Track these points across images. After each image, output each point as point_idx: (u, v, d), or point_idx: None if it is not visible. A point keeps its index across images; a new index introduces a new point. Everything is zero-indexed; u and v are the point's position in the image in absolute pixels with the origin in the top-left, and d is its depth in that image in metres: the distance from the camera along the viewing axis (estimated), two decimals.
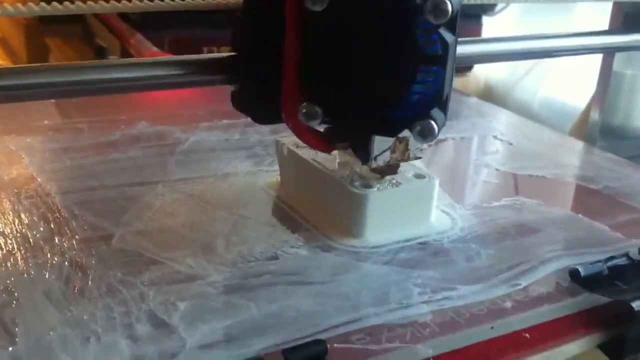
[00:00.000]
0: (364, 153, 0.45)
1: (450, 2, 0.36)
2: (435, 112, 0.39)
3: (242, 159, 0.58)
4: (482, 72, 1.51)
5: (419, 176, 0.49)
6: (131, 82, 0.41)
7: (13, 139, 0.59)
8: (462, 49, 0.50)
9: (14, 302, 0.38)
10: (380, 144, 0.44)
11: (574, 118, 1.05)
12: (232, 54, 0.43)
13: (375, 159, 0.45)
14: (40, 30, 1.51)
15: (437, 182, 0.49)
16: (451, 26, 0.38)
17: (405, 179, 0.48)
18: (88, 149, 0.58)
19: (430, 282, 0.42)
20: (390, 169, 0.47)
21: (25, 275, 0.40)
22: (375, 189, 0.47)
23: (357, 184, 0.47)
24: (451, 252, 0.46)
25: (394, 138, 0.44)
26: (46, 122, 0.63)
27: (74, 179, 0.53)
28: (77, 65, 0.41)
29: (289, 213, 0.50)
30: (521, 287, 0.43)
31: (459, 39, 0.49)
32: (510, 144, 0.67)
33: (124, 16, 1.14)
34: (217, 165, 0.57)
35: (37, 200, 0.49)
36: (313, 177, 0.50)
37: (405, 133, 0.43)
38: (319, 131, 0.43)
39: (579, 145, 0.70)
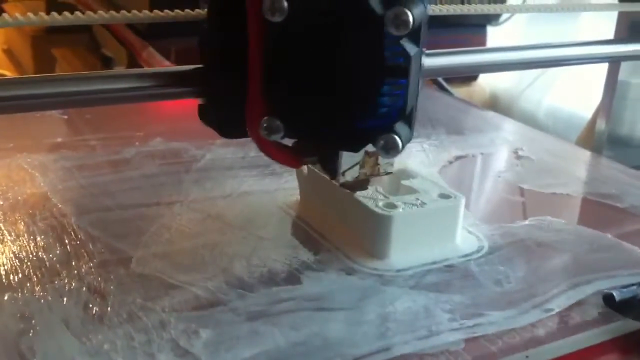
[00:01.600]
0: (331, 168, 0.43)
1: (412, 12, 0.35)
2: (399, 126, 0.37)
3: (260, 177, 0.57)
4: (487, 82, 1.49)
5: (444, 196, 0.47)
6: (96, 95, 0.40)
7: (25, 157, 0.58)
8: (468, 59, 0.49)
9: (32, 330, 0.37)
10: (349, 158, 0.43)
11: (580, 127, 1.04)
12: (199, 66, 0.42)
13: (343, 174, 0.43)
14: (47, 40, 1.50)
15: (463, 202, 0.47)
16: (414, 37, 0.37)
17: (430, 198, 0.47)
18: (102, 166, 0.57)
19: (460, 308, 0.41)
20: (360, 184, 0.45)
21: (43, 301, 0.39)
22: (400, 209, 0.45)
23: (381, 204, 0.46)
24: (479, 276, 0.44)
25: (363, 152, 0.43)
26: (59, 139, 0.62)
27: (89, 199, 0.51)
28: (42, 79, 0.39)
29: (309, 233, 0.49)
30: (554, 312, 0.41)
31: (466, 49, 0.48)
32: (530, 159, 0.66)
33: (130, 25, 1.12)
34: (234, 183, 0.56)
35: (52, 221, 0.48)
36: (334, 196, 0.48)
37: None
38: (286, 145, 0.42)
39: (601, 161, 0.69)
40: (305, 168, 0.51)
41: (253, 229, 0.49)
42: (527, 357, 0.38)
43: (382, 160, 0.44)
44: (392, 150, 0.37)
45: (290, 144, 0.42)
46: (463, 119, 0.78)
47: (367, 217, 0.46)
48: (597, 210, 0.57)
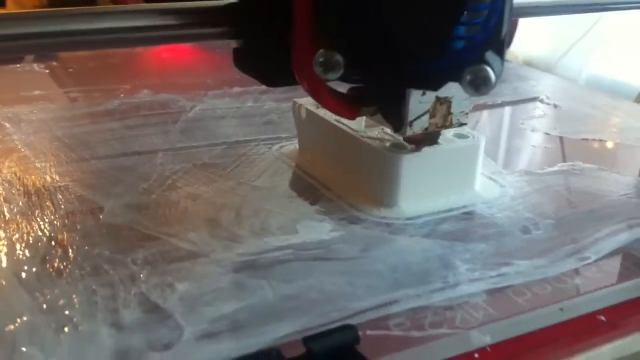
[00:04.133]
0: (396, 118, 0.37)
1: None
2: (491, 55, 0.31)
3: (256, 126, 0.51)
4: (520, 50, 1.41)
5: (461, 135, 0.41)
6: (112, 35, 0.32)
7: None
8: None
9: None
10: (417, 106, 0.37)
11: (628, 96, 0.97)
12: (234, 1, 0.34)
13: (410, 124, 0.37)
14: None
15: (482, 142, 0.41)
16: None
17: (445, 138, 0.41)
18: (81, 118, 0.52)
19: (481, 257, 0.35)
20: (429, 137, 0.39)
21: None
22: (410, 150, 0.39)
23: (388, 145, 0.40)
24: (503, 223, 0.39)
25: (434, 99, 0.37)
26: (37, 92, 0.57)
27: (63, 150, 0.46)
28: (45, 14, 0.32)
29: (309, 182, 0.43)
30: (590, 260, 0.35)
31: None
32: (558, 107, 0.59)
33: None
34: (226, 132, 0.50)
35: (17, 171, 0.42)
36: (336, 140, 0.43)
37: (448, 92, 0.35)
38: (341, 92, 0.36)
39: (632, 106, 0.62)
40: (303, 111, 0.45)
41: (245, 178, 0.43)
42: (561, 309, 0.32)
43: (455, 107, 0.38)
44: (483, 85, 0.30)
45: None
46: None
47: (373, 160, 0.40)
48: (631, 154, 0.51)
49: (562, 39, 1.36)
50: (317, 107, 0.44)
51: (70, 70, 0.62)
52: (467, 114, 0.39)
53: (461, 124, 0.39)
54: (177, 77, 0.63)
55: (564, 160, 0.47)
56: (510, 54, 1.37)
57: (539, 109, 0.59)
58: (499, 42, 0.31)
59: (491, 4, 0.30)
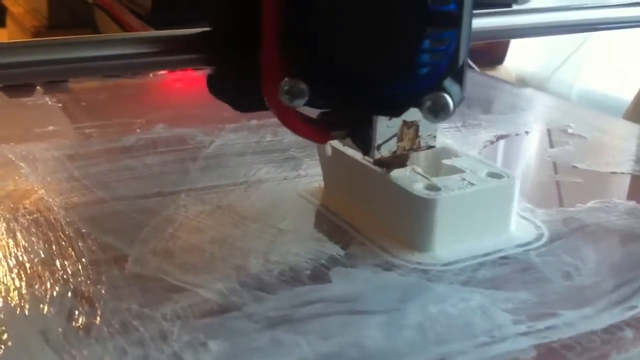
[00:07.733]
0: (364, 141, 0.37)
1: None
2: (449, 83, 0.31)
3: (277, 163, 0.50)
4: (513, 66, 1.41)
5: (495, 175, 0.40)
6: (82, 64, 0.33)
7: (12, 147, 0.51)
8: (497, 21, 0.42)
9: (3, 345, 0.30)
10: (384, 130, 0.37)
11: (618, 110, 0.96)
12: (206, 29, 0.35)
13: (378, 148, 0.37)
14: (48, 36, 1.45)
15: (517, 182, 0.40)
16: None
17: (478, 178, 0.40)
18: (97, 155, 0.50)
19: (525, 307, 0.34)
20: (397, 160, 0.39)
21: (19, 310, 0.32)
22: (444, 192, 0.38)
23: (421, 186, 0.39)
24: (543, 268, 0.37)
25: (401, 123, 0.37)
26: (51, 127, 0.55)
27: (81, 191, 0.45)
28: (22, 45, 0.32)
29: (336, 223, 0.42)
30: (639, 310, 0.34)
31: (493, 10, 0.41)
32: (582, 137, 0.58)
33: (136, 14, 1.06)
34: (247, 171, 0.49)
35: (37, 216, 0.41)
36: (365, 179, 0.41)
37: (415, 116, 0.35)
38: (310, 117, 0.36)
39: None
40: (329, 149, 0.44)
41: (270, 220, 0.42)
42: None
43: (423, 131, 0.37)
44: (441, 112, 0.30)
45: (315, 116, 0.36)
46: (499, 97, 0.70)
47: (406, 202, 0.39)
48: None
49: (554, 55, 1.37)
50: (344, 145, 0.43)
51: (83, 104, 0.61)
52: (434, 136, 0.39)
53: (429, 147, 0.39)
54: (191, 109, 0.62)
55: (597, 197, 0.46)
56: (503, 70, 1.37)
57: (564, 139, 0.57)
58: (458, 70, 0.31)
59: (451, 32, 0.30)
